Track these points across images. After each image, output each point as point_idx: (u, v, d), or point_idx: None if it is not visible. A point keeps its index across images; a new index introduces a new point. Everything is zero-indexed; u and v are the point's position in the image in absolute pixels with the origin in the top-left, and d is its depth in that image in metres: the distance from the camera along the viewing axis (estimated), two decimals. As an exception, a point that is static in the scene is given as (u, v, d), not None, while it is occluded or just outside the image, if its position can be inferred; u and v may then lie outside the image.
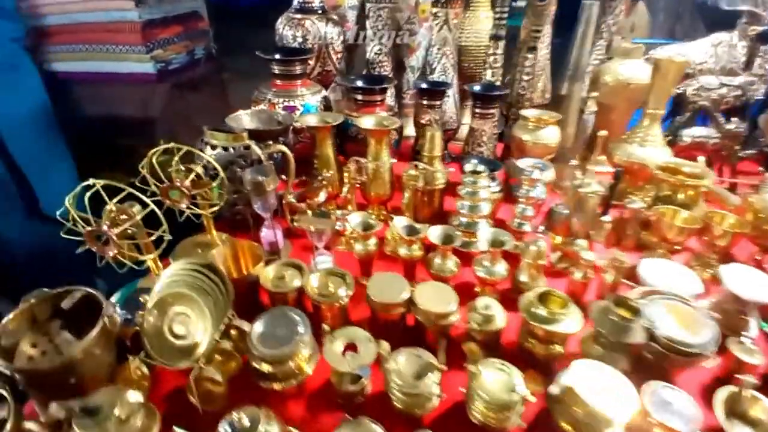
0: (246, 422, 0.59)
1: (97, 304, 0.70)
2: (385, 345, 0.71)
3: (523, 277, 0.90)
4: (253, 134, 1.02)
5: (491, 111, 1.23)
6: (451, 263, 0.91)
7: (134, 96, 2.45)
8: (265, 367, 0.71)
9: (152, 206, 0.77)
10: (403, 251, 0.92)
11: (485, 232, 0.89)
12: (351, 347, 0.73)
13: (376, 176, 1.11)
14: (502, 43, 1.34)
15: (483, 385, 0.65)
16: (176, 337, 0.71)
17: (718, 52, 1.39)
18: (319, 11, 1.38)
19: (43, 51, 1.80)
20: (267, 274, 0.86)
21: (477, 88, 1.23)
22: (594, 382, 0.63)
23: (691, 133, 1.31)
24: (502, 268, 0.89)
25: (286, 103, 1.26)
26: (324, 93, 1.34)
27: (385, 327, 0.82)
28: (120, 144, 2.82)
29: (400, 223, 0.93)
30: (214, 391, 0.70)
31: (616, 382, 0.64)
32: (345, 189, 1.09)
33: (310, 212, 0.95)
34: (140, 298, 0.71)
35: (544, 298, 0.77)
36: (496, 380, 0.66)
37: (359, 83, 1.28)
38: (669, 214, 0.97)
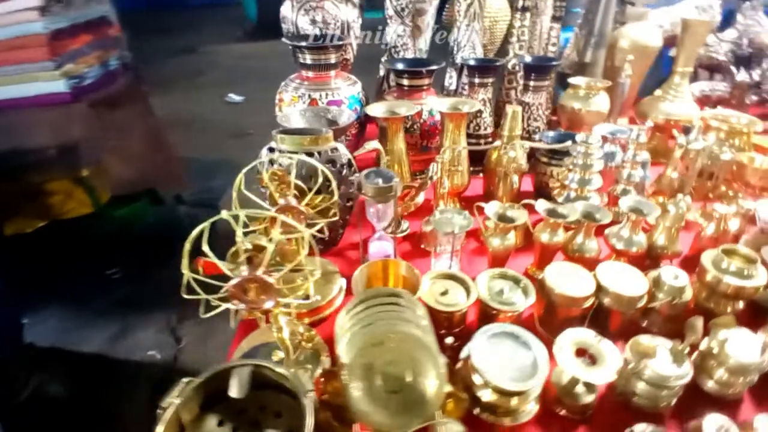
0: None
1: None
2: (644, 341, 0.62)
3: (662, 242, 0.88)
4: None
5: (546, 83, 1.19)
6: (593, 243, 0.85)
7: (46, 121, 2.03)
8: (502, 401, 0.58)
9: (304, 231, 0.58)
10: (545, 237, 0.83)
11: (628, 200, 0.84)
12: (580, 352, 0.63)
13: (453, 163, 1.01)
14: (528, 15, 1.30)
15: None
16: (393, 392, 0.55)
17: (699, 14, 1.52)
18: (334, -8, 1.21)
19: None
20: (426, 291, 0.71)
21: (528, 59, 1.18)
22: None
23: (698, 88, 1.41)
24: (641, 237, 0.85)
25: (330, 98, 1.08)
26: (360, 85, 1.18)
27: (565, 323, 0.74)
28: (29, 181, 2.31)
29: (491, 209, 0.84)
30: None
31: None
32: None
33: (437, 213, 0.81)
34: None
35: (729, 256, 0.74)
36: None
37: (401, 65, 1.15)
38: (749, 160, 1.02)
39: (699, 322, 0.63)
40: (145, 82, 2.78)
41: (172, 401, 0.48)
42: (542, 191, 1.12)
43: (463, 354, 0.63)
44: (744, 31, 1.41)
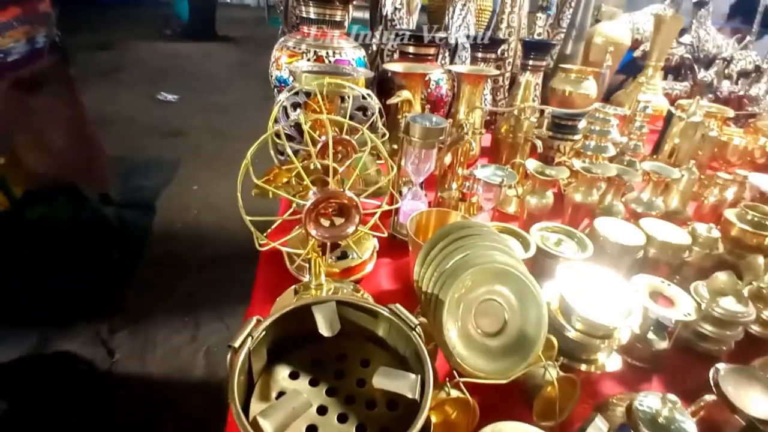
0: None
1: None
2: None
3: (675, 206, 0.91)
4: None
5: (544, 63, 1.21)
6: (620, 205, 0.85)
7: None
8: (588, 342, 0.53)
9: (380, 146, 0.49)
10: (578, 197, 0.82)
11: (648, 165, 0.86)
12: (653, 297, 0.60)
13: (474, 131, 0.97)
14: (518, 2, 1.34)
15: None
16: (490, 335, 0.47)
17: (654, 22, 1.67)
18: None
19: None
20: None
21: (527, 39, 1.20)
22: None
23: (659, 85, 1.54)
24: (660, 201, 0.88)
25: (337, 57, 1.00)
26: (363, 51, 1.11)
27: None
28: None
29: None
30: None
31: None
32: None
33: (479, 166, 0.76)
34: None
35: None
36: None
37: (409, 32, 1.10)
38: (729, 139, 1.11)
39: (758, 260, 0.64)
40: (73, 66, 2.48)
41: (245, 341, 0.36)
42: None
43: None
44: (698, 37, 1.58)
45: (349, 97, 0.72)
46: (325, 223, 0.46)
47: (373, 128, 0.68)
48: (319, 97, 0.57)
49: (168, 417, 1.59)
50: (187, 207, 2.91)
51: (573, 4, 1.40)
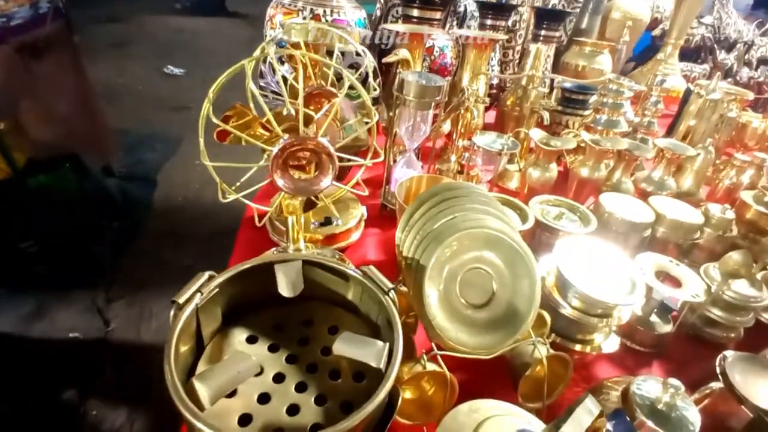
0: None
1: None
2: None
3: (688, 186, 0.85)
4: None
5: (557, 33, 1.14)
6: (629, 183, 0.80)
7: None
8: (587, 321, 0.48)
9: (363, 93, 0.44)
10: (585, 171, 0.76)
11: (662, 140, 0.80)
12: (659, 276, 0.55)
13: (477, 99, 0.92)
14: (531, -29, 1.26)
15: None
16: (476, 306, 0.43)
17: (676, -1, 1.58)
18: None
19: None
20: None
21: (541, 6, 1.12)
22: None
23: (678, 66, 1.46)
24: (672, 180, 0.82)
25: (335, 16, 0.94)
26: (364, 12, 1.05)
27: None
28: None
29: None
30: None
31: None
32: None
33: (478, 134, 0.71)
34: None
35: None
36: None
37: (411, -2, 1.03)
38: (749, 121, 1.04)
39: (777, 242, 0.59)
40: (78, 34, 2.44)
41: (192, 297, 0.32)
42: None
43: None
44: (718, 18, 1.49)
45: (338, 54, 0.67)
46: (297, 175, 0.41)
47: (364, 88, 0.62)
48: (302, 43, 0.52)
49: (158, 387, 1.58)
50: (188, 182, 2.89)
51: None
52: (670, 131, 1.12)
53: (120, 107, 3.86)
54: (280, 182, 0.39)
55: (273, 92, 0.71)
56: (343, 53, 0.66)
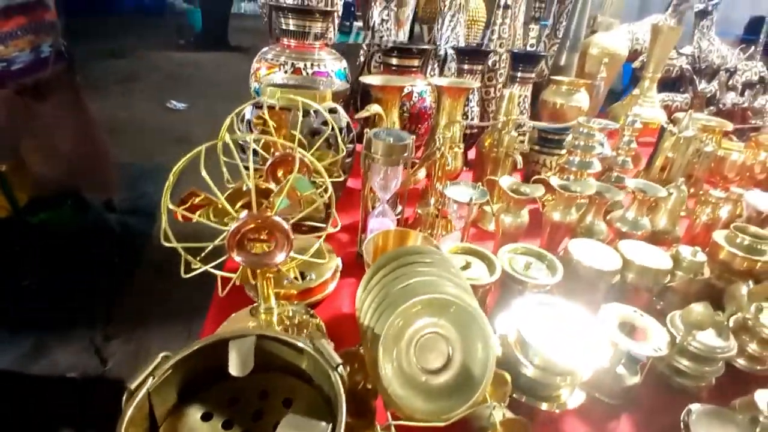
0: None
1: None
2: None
3: (664, 225, 0.86)
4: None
5: (532, 75, 1.17)
6: (602, 224, 0.81)
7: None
8: (550, 382, 0.49)
9: (323, 173, 0.46)
10: (557, 216, 0.78)
11: (634, 182, 0.82)
12: (622, 327, 0.56)
13: (454, 140, 0.94)
14: (509, 12, 1.30)
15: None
16: (431, 371, 0.44)
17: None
18: (317, -36, 1.12)
19: None
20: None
21: (515, 50, 1.16)
22: None
23: (658, 97, 1.49)
24: (646, 220, 0.83)
25: (315, 69, 0.98)
26: (345, 62, 1.09)
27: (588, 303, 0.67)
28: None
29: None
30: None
31: None
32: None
33: (449, 184, 0.73)
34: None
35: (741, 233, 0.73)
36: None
37: (392, 44, 1.08)
38: (728, 154, 1.05)
39: (741, 290, 0.60)
40: (80, 73, 2.53)
41: (144, 381, 0.34)
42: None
43: (500, 330, 0.54)
44: (699, 48, 1.53)
45: (312, 112, 0.70)
46: (255, 249, 0.43)
47: (332, 145, 0.65)
48: (265, 110, 0.55)
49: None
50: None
51: (568, 15, 1.37)
52: (650, 163, 1.14)
53: (123, 141, 3.96)
54: (237, 258, 0.41)
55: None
56: (316, 112, 0.69)
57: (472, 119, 1.20)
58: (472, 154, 1.19)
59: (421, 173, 0.84)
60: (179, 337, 1.98)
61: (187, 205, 0.43)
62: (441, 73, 1.28)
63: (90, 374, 1.81)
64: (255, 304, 0.63)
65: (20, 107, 2.02)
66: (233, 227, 0.40)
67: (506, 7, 1.29)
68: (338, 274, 0.71)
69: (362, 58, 1.33)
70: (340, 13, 1.25)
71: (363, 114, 0.75)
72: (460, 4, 1.23)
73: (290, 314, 0.59)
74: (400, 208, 0.92)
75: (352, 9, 2.39)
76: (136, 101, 4.99)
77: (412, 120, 1.09)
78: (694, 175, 1.07)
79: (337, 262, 0.71)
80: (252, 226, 0.40)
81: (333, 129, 0.58)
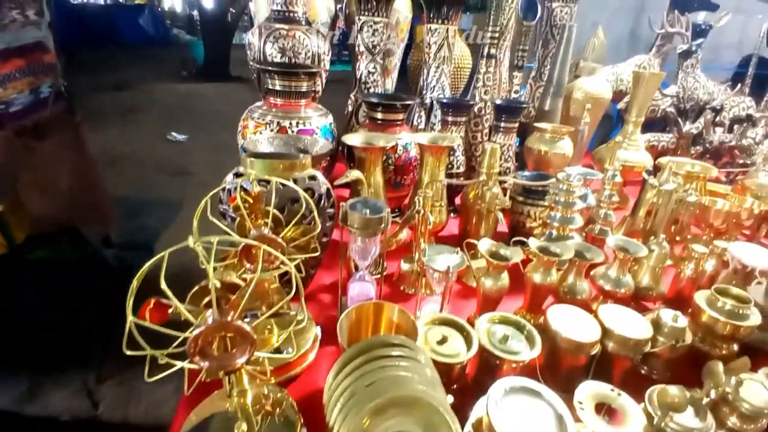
0: None
1: None
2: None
3: (647, 282, 0.86)
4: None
5: (515, 125, 1.20)
6: (584, 284, 0.81)
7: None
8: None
9: (291, 266, 0.46)
10: (537, 278, 0.78)
11: (614, 240, 0.82)
12: (599, 408, 0.56)
13: (435, 198, 0.96)
14: (493, 61, 1.34)
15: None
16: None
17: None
18: (304, 23, 1.16)
19: None
20: (422, 340, 0.61)
21: (499, 101, 1.19)
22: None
23: (644, 138, 1.51)
24: (629, 278, 0.83)
25: (301, 127, 1.00)
26: (331, 117, 1.11)
27: (570, 373, 0.67)
28: None
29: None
30: None
31: None
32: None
33: (427, 249, 0.73)
34: None
35: (722, 296, 0.73)
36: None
37: (375, 100, 1.10)
38: (711, 203, 1.06)
39: (718, 367, 0.59)
40: (80, 112, 2.59)
41: None
42: (518, 231, 1.09)
43: (474, 414, 0.53)
44: (684, 88, 1.55)
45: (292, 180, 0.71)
46: (219, 345, 0.43)
47: (306, 216, 0.66)
48: (238, 195, 0.56)
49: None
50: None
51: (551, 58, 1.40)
52: (635, 210, 1.14)
53: (123, 174, 4.01)
54: (199, 364, 0.41)
55: (231, 217, 0.75)
56: (295, 179, 0.70)
57: (458, 168, 1.22)
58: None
59: (403, 234, 0.85)
60: (171, 379, 1.96)
61: (152, 306, 0.43)
62: (427, 122, 1.30)
63: (81, 417, 1.79)
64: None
65: (18, 148, 2.05)
66: (193, 335, 0.40)
67: (489, 56, 1.32)
68: (318, 344, 0.71)
69: (350, 107, 1.36)
70: (335, 40, 1.28)
71: (342, 181, 0.76)
72: (444, 56, 1.26)
73: (266, 392, 0.59)
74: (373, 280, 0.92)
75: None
76: (137, 133, 5.07)
77: (398, 171, 1.11)
78: (679, 223, 1.07)
79: (316, 331, 0.70)
80: (213, 334, 0.40)
81: (307, 208, 0.59)
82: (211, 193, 0.60)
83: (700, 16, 1.91)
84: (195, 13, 10.59)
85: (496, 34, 1.30)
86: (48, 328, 2.18)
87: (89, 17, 9.84)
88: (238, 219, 0.59)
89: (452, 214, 1.18)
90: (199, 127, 5.24)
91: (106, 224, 2.82)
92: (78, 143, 2.49)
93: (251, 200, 0.57)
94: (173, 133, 4.98)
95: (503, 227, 1.13)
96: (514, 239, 0.81)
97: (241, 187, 0.67)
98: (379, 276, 0.86)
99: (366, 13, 1.18)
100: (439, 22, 1.22)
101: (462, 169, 1.21)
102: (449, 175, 1.19)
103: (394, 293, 0.86)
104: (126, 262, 2.84)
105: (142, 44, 10.20)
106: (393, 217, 1.18)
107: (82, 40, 8.48)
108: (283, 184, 0.60)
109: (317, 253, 0.61)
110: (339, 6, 1.41)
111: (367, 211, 0.67)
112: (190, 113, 5.98)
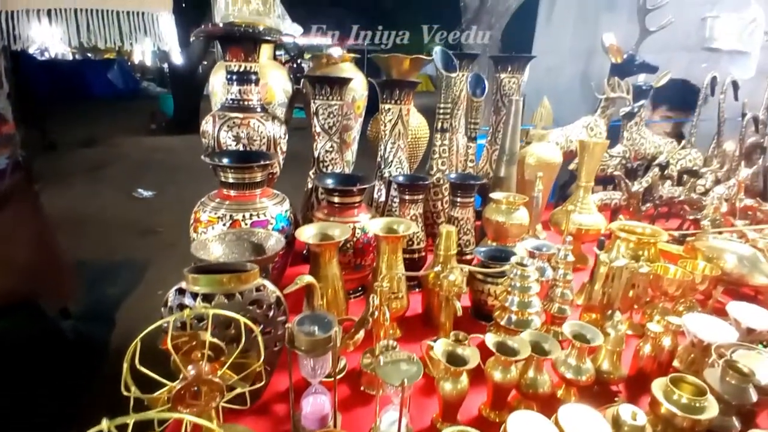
0: None
1: None
2: None
3: (606, 367, 0.86)
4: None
5: (471, 199, 1.22)
6: (545, 376, 0.80)
7: None
8: None
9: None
10: (498, 376, 0.76)
11: (571, 326, 0.82)
12: None
13: (393, 290, 0.94)
14: (447, 134, 1.38)
15: None
16: None
17: (588, 131, 1.74)
18: (259, 109, 1.18)
19: None
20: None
21: (453, 177, 1.21)
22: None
23: (596, 197, 1.56)
24: (589, 364, 0.83)
25: (255, 218, 0.99)
26: (288, 202, 1.11)
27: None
28: None
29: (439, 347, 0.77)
30: None
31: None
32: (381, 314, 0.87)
33: (381, 359, 0.71)
34: None
35: (677, 386, 0.73)
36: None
37: (331, 183, 1.11)
38: (663, 270, 1.08)
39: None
40: (38, 180, 2.53)
41: None
42: (480, 309, 1.08)
43: None
44: (630, 148, 1.63)
45: (238, 294, 0.69)
46: None
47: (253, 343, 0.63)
48: (168, 340, 0.53)
49: None
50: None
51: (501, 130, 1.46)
52: (591, 279, 1.15)
53: (88, 236, 3.88)
54: None
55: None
56: (242, 292, 0.68)
57: (418, 243, 1.22)
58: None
59: (360, 334, 0.83)
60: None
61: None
62: (387, 195, 1.31)
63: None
64: None
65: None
66: None
67: (443, 130, 1.37)
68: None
69: (310, 184, 1.36)
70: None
71: (292, 288, 0.74)
72: (399, 132, 1.29)
73: None
74: (343, 361, 0.89)
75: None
76: (103, 191, 4.96)
77: (357, 254, 1.10)
78: (636, 291, 1.09)
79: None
80: None
81: (254, 332, 0.56)
82: (143, 333, 0.58)
83: (641, 78, 2.05)
84: (165, 66, 10.72)
85: (448, 110, 1.35)
86: (7, 403, 2.03)
87: (58, 72, 9.83)
88: (173, 359, 0.56)
89: (416, 289, 1.17)
90: (167, 181, 5.17)
91: (64, 295, 2.70)
92: (36, 214, 2.42)
93: (187, 337, 0.55)
94: (140, 190, 4.89)
95: (466, 300, 1.12)
96: (471, 336, 0.80)
97: (180, 307, 0.65)
98: (339, 375, 0.82)
99: (320, 98, 1.21)
100: (393, 102, 1.26)
101: (422, 244, 1.22)
102: (410, 251, 1.20)
103: (354, 396, 0.83)
104: (83, 335, 2.70)
105: (111, 98, 10.23)
106: (355, 296, 1.17)
107: (52, 95, 8.42)
108: (223, 313, 0.57)
109: (261, 383, 0.59)
110: (296, 87, 1.44)
111: (315, 328, 0.65)
112: (158, 168, 5.92)
